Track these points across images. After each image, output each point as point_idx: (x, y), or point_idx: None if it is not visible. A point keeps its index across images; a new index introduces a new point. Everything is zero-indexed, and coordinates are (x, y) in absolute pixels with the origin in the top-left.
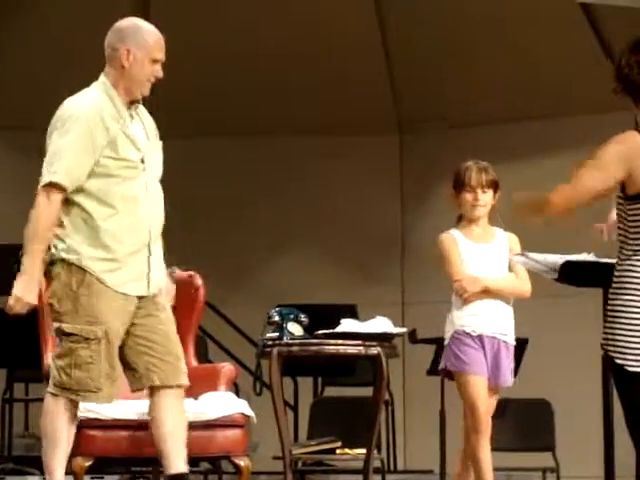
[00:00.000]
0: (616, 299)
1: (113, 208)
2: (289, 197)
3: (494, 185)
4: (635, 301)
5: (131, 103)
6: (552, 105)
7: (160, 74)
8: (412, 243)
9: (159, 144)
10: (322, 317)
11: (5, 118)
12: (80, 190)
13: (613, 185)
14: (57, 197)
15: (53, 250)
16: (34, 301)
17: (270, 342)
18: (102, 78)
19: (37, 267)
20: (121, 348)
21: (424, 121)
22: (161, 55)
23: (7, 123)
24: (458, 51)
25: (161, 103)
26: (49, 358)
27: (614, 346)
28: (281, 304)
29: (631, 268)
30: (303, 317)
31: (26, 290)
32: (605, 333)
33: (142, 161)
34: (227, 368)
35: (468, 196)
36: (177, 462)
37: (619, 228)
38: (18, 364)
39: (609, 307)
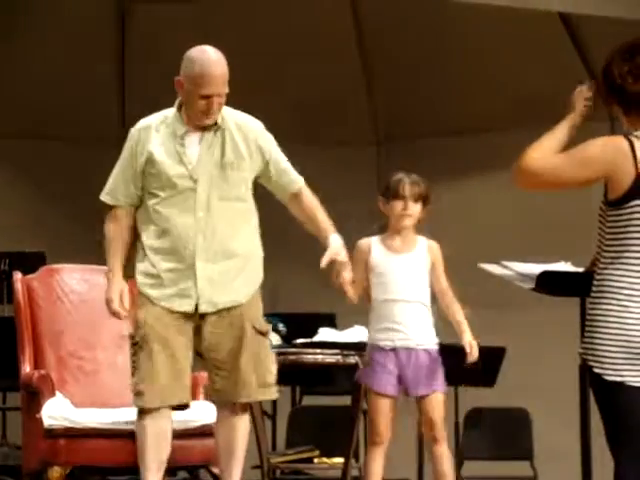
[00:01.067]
0: (595, 308)
1: (155, 225)
2: (268, 204)
3: (423, 198)
4: (614, 310)
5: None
6: (535, 114)
7: (214, 106)
8: None
9: (239, 164)
10: (300, 326)
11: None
12: (139, 206)
13: (584, 181)
14: (110, 212)
15: None
16: (111, 304)
17: None
18: (176, 103)
19: (113, 274)
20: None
21: (402, 131)
22: (207, 91)
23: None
24: (437, 61)
25: None
26: (26, 367)
27: (593, 355)
28: (275, 313)
29: (609, 277)
30: (281, 326)
31: (105, 296)
32: (584, 342)
33: (193, 181)
34: (205, 377)
35: (398, 205)
36: (228, 477)
37: (599, 235)
38: None
39: (588, 316)
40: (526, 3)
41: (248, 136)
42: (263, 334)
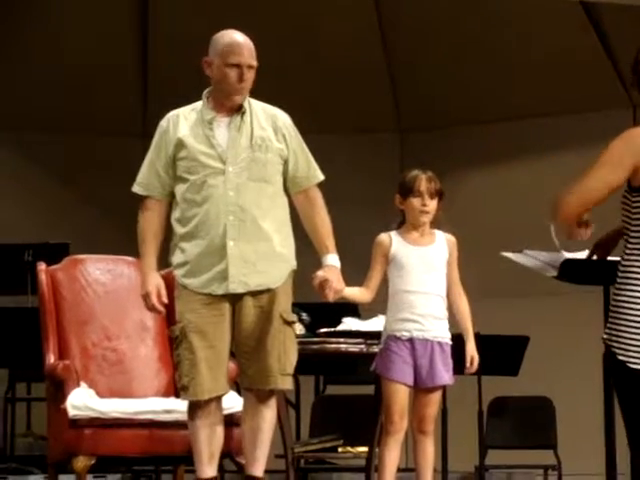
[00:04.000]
0: (620, 295)
1: (186, 211)
2: None
3: (439, 194)
4: (639, 297)
5: (236, 110)
6: (556, 104)
7: (246, 77)
8: None
9: (269, 147)
10: (324, 315)
11: (7, 119)
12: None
13: (624, 179)
14: (142, 204)
15: None
16: (148, 298)
17: None
18: (205, 92)
19: (146, 267)
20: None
21: (424, 120)
22: (236, 59)
23: (9, 124)
24: (457, 52)
25: None
26: (51, 357)
27: (617, 342)
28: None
29: (635, 263)
30: (305, 315)
31: (142, 292)
32: (608, 329)
33: (222, 162)
34: (229, 366)
35: (416, 202)
36: (251, 465)
37: (624, 222)
38: (20, 364)
39: (613, 303)
40: None
41: (276, 123)
42: (290, 325)
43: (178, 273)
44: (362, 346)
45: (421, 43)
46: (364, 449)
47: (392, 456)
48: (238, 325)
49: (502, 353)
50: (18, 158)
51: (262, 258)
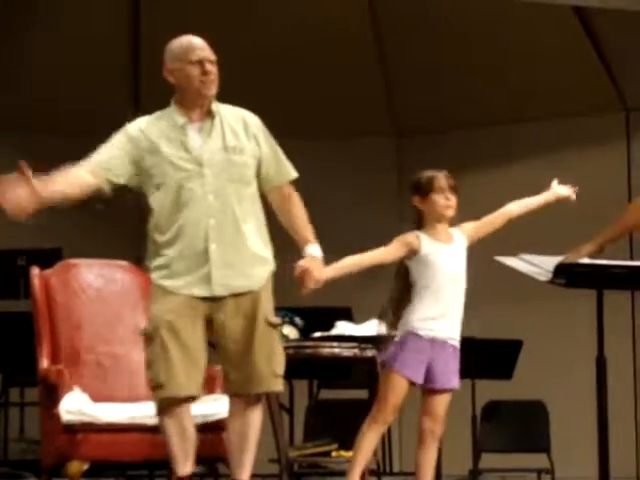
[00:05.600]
0: None
1: (165, 217)
2: None
3: (457, 191)
4: None
5: (206, 114)
6: (552, 107)
7: (209, 68)
8: None
9: (243, 149)
10: (317, 320)
11: (8, 120)
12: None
13: None
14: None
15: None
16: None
17: None
18: (172, 101)
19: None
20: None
21: (421, 124)
22: (197, 54)
23: (11, 125)
24: (455, 53)
25: None
26: (44, 362)
27: None
28: (276, 307)
29: None
30: (298, 320)
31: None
32: None
33: (199, 165)
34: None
35: (439, 198)
36: (240, 470)
37: None
38: (14, 368)
39: None
40: None
41: (246, 124)
42: (274, 327)
43: (156, 275)
44: (356, 350)
45: (416, 46)
46: None
47: (373, 442)
48: (222, 331)
49: (496, 357)
50: (12, 160)
51: (244, 261)
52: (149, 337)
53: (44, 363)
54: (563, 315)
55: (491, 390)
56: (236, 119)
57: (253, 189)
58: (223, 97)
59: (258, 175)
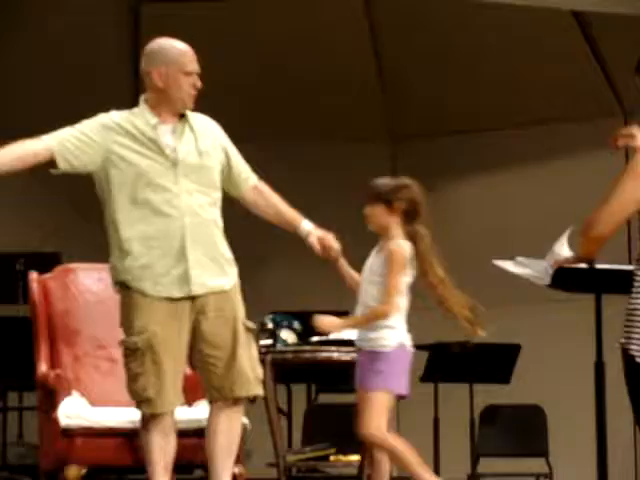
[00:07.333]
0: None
1: (138, 216)
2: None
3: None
4: None
5: (178, 117)
6: (551, 111)
7: (198, 84)
8: None
9: (214, 154)
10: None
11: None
12: (106, 204)
13: None
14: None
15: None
16: None
17: (264, 349)
18: (140, 102)
19: None
20: (191, 356)
21: (416, 130)
22: (193, 67)
23: (2, 131)
24: (451, 61)
25: None
26: (42, 366)
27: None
28: (274, 311)
29: None
30: (296, 324)
31: None
32: (625, 332)
33: (173, 165)
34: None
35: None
36: (222, 474)
37: None
38: (12, 373)
39: (629, 307)
40: (538, 1)
41: (213, 131)
42: (251, 331)
43: (128, 277)
44: (354, 354)
45: (413, 51)
46: (356, 458)
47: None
48: (202, 337)
49: (494, 361)
50: None
51: (216, 261)
52: (134, 349)
53: (42, 367)
54: (562, 319)
55: (489, 394)
56: (203, 125)
57: (219, 194)
58: (220, 101)
59: (229, 181)
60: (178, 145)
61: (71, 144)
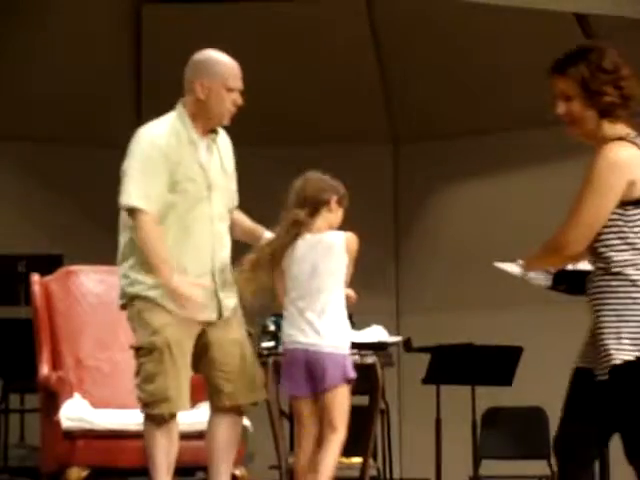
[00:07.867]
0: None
1: (173, 234)
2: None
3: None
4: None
5: (210, 132)
6: (552, 114)
7: (239, 102)
8: (407, 252)
9: (233, 175)
10: None
11: (4, 130)
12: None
13: (618, 202)
14: (144, 216)
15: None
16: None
17: (265, 352)
18: (179, 106)
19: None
20: (197, 367)
21: (418, 131)
22: (236, 83)
23: (5, 133)
24: (454, 61)
25: None
26: (44, 368)
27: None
28: (276, 313)
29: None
30: None
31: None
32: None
33: (209, 187)
34: None
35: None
36: (222, 478)
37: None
38: (14, 375)
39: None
40: (540, 3)
41: (229, 148)
42: (251, 336)
43: (155, 293)
44: (356, 357)
45: (415, 54)
46: (358, 460)
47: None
48: (217, 346)
49: (496, 363)
50: (15, 168)
51: (231, 283)
52: (151, 349)
53: (44, 370)
54: (563, 321)
55: (491, 397)
56: (224, 142)
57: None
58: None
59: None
60: (212, 164)
61: (155, 194)
